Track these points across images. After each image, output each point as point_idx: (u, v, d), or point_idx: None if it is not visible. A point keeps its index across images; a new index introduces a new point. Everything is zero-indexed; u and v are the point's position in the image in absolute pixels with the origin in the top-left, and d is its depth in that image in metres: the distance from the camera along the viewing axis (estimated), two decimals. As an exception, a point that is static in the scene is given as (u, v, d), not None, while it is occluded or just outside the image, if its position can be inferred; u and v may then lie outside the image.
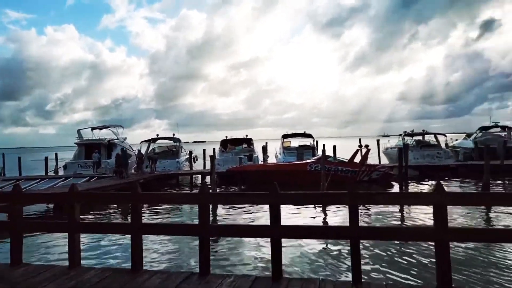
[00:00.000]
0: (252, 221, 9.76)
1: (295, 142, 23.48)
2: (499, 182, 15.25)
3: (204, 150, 22.44)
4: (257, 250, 7.04)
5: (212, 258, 4.63)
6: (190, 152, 21.54)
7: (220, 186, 16.44)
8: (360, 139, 25.44)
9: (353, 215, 3.33)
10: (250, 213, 10.89)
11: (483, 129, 24.51)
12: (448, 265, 3.01)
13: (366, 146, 16.81)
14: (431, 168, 18.56)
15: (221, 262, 6.36)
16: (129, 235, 3.87)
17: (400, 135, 23.03)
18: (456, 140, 25.50)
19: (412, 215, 10.23)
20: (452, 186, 15.04)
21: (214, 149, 23.83)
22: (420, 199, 3.39)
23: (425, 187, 15.12)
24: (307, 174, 15.64)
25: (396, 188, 14.68)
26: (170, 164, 20.40)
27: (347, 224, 3.43)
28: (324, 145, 20.90)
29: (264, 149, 21.53)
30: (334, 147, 19.43)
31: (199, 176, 18.98)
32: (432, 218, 3.14)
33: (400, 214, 10.46)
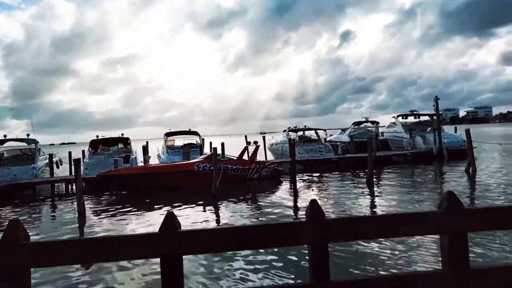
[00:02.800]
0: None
1: (179, 141, 21.66)
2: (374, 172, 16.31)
3: (69, 153, 18.89)
4: None
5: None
6: (50, 156, 17.79)
7: (91, 194, 13.69)
8: (246, 136, 25.03)
9: (321, 260, 1.92)
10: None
11: (356, 124, 26.67)
12: None
13: (255, 142, 16.15)
14: (315, 162, 19.00)
15: None
16: None
17: (285, 131, 23.31)
18: (331, 135, 27.07)
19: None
20: (332, 178, 15.40)
21: (83, 151, 20.42)
22: (429, 224, 1.91)
23: (312, 180, 15.17)
24: (195, 175, 14.13)
25: (286, 184, 14.32)
26: (24, 171, 16.46)
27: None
28: (211, 143, 19.66)
29: (145, 149, 19.15)
30: (222, 144, 18.36)
31: (63, 184, 15.74)
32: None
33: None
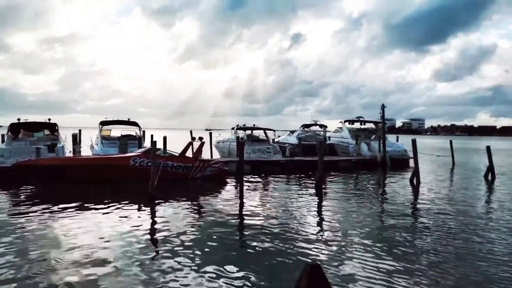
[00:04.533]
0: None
1: (117, 131, 19.79)
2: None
3: (-19, 137, 16.39)
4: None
5: None
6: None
7: (4, 187, 11.70)
8: (191, 131, 23.75)
9: None
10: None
11: (305, 126, 26.47)
12: None
13: (200, 138, 15.01)
14: (262, 163, 18.32)
15: None
16: None
17: (233, 128, 22.36)
18: (279, 136, 26.66)
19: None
20: (280, 181, 14.80)
21: (2, 135, 17.93)
22: None
23: (259, 182, 14.40)
24: (130, 170, 12.69)
25: (232, 185, 13.40)
26: None
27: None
28: (152, 136, 18.13)
29: (75, 138, 17.15)
30: (165, 138, 16.92)
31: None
32: None
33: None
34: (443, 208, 9.93)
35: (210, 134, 23.89)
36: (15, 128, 16.28)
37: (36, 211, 8.73)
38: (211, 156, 21.31)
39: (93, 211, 8.95)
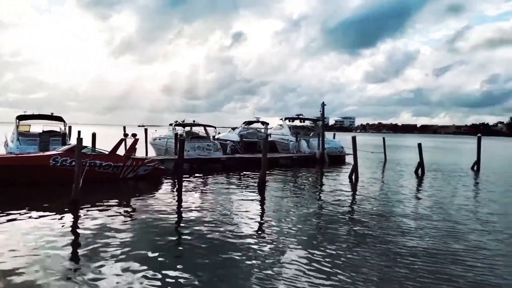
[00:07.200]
0: None
1: (38, 127, 17.64)
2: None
3: None
4: None
5: None
6: None
7: None
8: (124, 127, 22.18)
9: None
10: None
11: (247, 123, 26.05)
12: None
13: (134, 135, 13.81)
14: (202, 161, 17.53)
15: None
16: None
17: (171, 124, 21.18)
18: (219, 133, 25.98)
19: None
20: (221, 180, 14.16)
21: None
22: None
23: (199, 181, 13.61)
24: (51, 171, 11.18)
25: (168, 185, 12.45)
26: None
27: None
28: (79, 132, 16.38)
29: (-15, 134, 14.86)
30: (94, 134, 15.30)
31: None
32: None
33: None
34: (382, 204, 10.08)
35: (146, 131, 22.46)
36: None
37: None
38: (146, 154, 19.98)
39: (3, 220, 7.56)
